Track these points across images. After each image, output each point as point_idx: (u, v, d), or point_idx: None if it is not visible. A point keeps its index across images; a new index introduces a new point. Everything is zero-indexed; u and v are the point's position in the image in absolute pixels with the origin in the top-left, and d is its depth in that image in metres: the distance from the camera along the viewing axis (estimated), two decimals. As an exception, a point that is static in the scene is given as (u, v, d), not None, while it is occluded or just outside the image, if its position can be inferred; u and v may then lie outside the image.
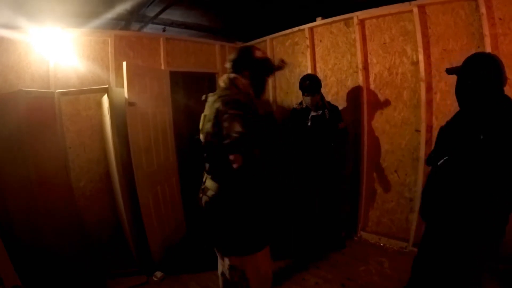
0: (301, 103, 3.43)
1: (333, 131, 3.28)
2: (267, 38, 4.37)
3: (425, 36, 2.96)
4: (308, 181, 3.40)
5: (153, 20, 4.54)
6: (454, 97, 2.78)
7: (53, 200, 2.82)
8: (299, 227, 3.59)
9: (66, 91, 3.10)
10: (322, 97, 3.35)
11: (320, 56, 3.83)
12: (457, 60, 2.77)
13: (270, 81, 4.35)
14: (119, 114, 2.94)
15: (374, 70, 3.37)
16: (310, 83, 3.24)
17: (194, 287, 2.87)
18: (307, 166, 3.35)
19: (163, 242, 3.32)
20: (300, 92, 3.76)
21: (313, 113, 3.29)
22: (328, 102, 3.38)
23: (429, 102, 2.99)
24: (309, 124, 3.29)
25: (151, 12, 4.42)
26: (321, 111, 3.27)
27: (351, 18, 3.44)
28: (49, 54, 3.20)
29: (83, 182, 3.30)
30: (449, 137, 1.93)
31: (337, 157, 3.38)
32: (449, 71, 1.98)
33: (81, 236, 3.14)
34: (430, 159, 2.02)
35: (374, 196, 3.52)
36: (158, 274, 3.04)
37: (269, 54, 4.37)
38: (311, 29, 3.84)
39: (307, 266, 3.07)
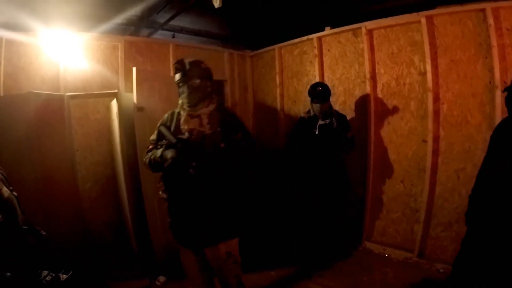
0: (308, 112, 3.50)
1: (341, 140, 3.34)
2: (276, 46, 4.49)
3: (432, 46, 3.04)
4: (312, 188, 3.46)
5: (163, 26, 4.69)
6: (461, 108, 2.93)
7: (59, 201, 2.91)
8: (301, 235, 3.65)
9: (75, 95, 3.24)
10: (331, 106, 3.43)
11: (328, 66, 3.94)
12: (465, 71, 2.91)
13: (277, 89, 4.52)
14: (127, 119, 3.05)
15: (381, 80, 3.46)
16: (321, 90, 3.34)
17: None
18: (313, 174, 3.40)
19: (167, 246, 3.37)
20: (307, 101, 3.85)
21: (321, 122, 3.36)
22: (336, 111, 3.46)
23: (436, 113, 3.06)
24: (316, 132, 3.35)
25: (161, 18, 4.58)
26: (329, 120, 3.34)
27: (359, 28, 3.54)
28: (59, 57, 3.35)
29: (89, 184, 3.41)
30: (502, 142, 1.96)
31: (343, 165, 3.46)
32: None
33: (84, 238, 3.22)
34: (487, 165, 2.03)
35: (379, 206, 3.57)
36: (161, 278, 3.10)
37: (277, 63, 4.53)
38: (319, 38, 3.95)
39: (311, 274, 3.10)
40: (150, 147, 2.16)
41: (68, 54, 3.38)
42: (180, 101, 2.11)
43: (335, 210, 3.46)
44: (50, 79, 3.30)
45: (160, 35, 4.94)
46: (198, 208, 1.99)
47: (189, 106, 2.05)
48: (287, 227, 4.02)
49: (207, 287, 2.21)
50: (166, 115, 2.20)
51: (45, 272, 1.42)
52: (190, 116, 2.05)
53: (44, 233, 1.54)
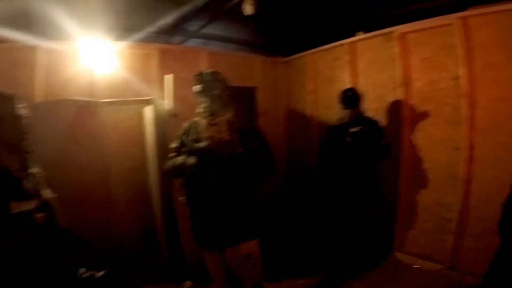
0: (341, 119, 3.66)
1: (375, 147, 3.45)
2: (308, 53, 4.82)
3: (466, 49, 3.16)
4: (343, 197, 3.62)
5: (195, 34, 5.15)
6: (496, 113, 3.07)
7: (93, 205, 3.29)
8: (331, 244, 3.84)
9: (109, 101, 3.67)
10: (362, 112, 3.60)
11: (361, 71, 4.18)
12: (500, 74, 3.02)
13: (309, 96, 4.82)
14: (161, 125, 3.44)
15: (414, 86, 3.63)
16: (351, 95, 3.54)
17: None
18: (346, 183, 3.57)
19: (197, 252, 3.70)
20: (340, 108, 4.09)
21: (353, 129, 3.46)
22: (369, 117, 3.61)
23: (470, 119, 3.16)
24: (349, 140, 3.47)
25: (193, 26, 5.04)
26: (361, 126, 3.44)
27: (391, 32, 3.75)
28: (95, 65, 3.83)
29: (122, 189, 3.83)
30: None
31: (376, 174, 3.60)
32: None
33: (115, 241, 3.61)
34: None
35: (411, 215, 3.70)
36: (188, 283, 3.43)
37: (309, 69, 4.84)
38: (351, 43, 4.21)
39: (340, 284, 3.29)
40: (172, 154, 2.45)
41: (103, 62, 3.85)
42: (199, 110, 2.41)
43: (367, 220, 3.59)
44: (85, 86, 3.74)
45: (191, 42, 5.40)
46: (218, 210, 2.28)
47: (208, 115, 2.34)
48: (316, 236, 4.23)
49: None
50: (186, 124, 2.53)
51: (83, 269, 1.65)
52: (210, 124, 2.35)
53: (80, 234, 1.81)
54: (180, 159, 2.33)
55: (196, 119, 2.50)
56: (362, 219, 3.59)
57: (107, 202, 3.61)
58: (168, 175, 2.55)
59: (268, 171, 2.43)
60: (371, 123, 3.55)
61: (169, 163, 2.43)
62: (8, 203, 1.51)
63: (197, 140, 2.34)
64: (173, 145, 2.49)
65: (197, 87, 2.39)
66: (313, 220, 4.47)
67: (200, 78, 2.39)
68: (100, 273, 1.69)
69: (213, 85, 2.37)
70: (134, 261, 3.76)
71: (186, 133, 2.46)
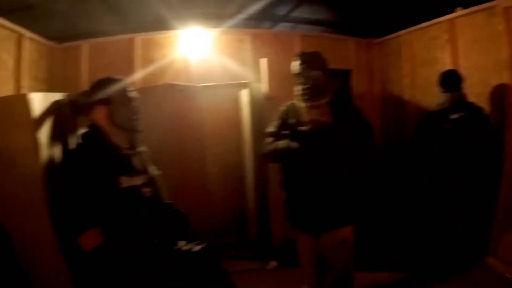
0: (439, 104, 3.64)
1: (477, 137, 3.36)
2: (403, 32, 4.85)
3: None
4: (438, 192, 3.62)
5: (284, 18, 5.52)
6: None
7: (190, 183, 3.74)
8: (421, 240, 3.82)
9: (207, 85, 4.22)
10: (464, 97, 3.52)
11: (461, 52, 4.07)
12: None
13: (406, 79, 4.87)
14: (256, 108, 3.86)
15: None
16: (451, 77, 3.52)
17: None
18: (442, 175, 3.55)
19: (284, 235, 3.95)
20: (439, 92, 4.01)
21: (454, 115, 3.44)
22: (472, 103, 3.50)
23: None
24: (448, 127, 3.47)
25: (281, 11, 5.39)
26: (463, 113, 3.42)
27: (494, 7, 3.57)
28: (190, 52, 4.42)
29: (217, 168, 4.44)
30: None
31: (478, 167, 3.42)
32: None
33: (208, 217, 4.08)
34: None
35: (508, 220, 3.45)
36: (273, 263, 3.86)
37: (405, 50, 4.87)
38: (450, 21, 4.11)
39: (423, 285, 3.34)
40: (270, 139, 2.56)
41: (199, 49, 4.43)
42: (298, 92, 2.50)
43: (461, 218, 3.48)
44: (182, 72, 4.37)
45: (280, 27, 5.77)
46: (318, 194, 2.38)
47: (309, 97, 2.42)
48: (405, 230, 4.21)
49: (317, 278, 2.62)
50: (283, 108, 2.63)
51: (183, 242, 1.82)
52: (311, 107, 2.43)
53: (181, 209, 2.04)
54: (281, 143, 2.43)
55: (293, 101, 2.60)
56: (456, 216, 3.50)
57: (202, 180, 4.07)
58: (267, 159, 2.69)
59: (369, 155, 2.57)
60: (474, 109, 3.44)
61: (269, 148, 2.53)
62: (118, 178, 1.73)
63: (298, 124, 2.42)
64: (271, 129, 2.61)
65: (297, 68, 2.45)
66: (405, 212, 4.43)
67: (301, 58, 2.46)
68: (198, 247, 1.81)
69: (315, 65, 2.43)
70: (223, 235, 4.27)
71: (284, 116, 2.56)
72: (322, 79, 2.45)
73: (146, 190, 1.86)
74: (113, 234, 1.66)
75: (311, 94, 2.42)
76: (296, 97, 2.54)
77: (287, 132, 2.46)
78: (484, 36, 3.81)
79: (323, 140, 2.32)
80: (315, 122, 2.36)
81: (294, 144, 2.36)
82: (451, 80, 3.51)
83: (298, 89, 2.49)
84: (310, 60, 2.45)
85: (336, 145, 2.33)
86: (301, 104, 2.51)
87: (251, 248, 4.22)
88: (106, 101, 1.85)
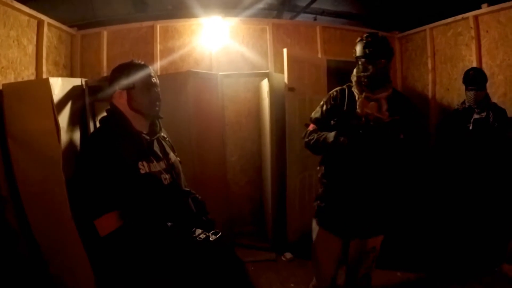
0: (463, 102, 3.59)
1: (499, 139, 3.30)
2: (427, 27, 4.74)
3: None
4: (457, 193, 3.56)
5: (305, 9, 5.42)
6: None
7: (209, 170, 3.71)
8: (437, 241, 3.80)
9: (228, 74, 4.16)
10: (488, 97, 3.44)
11: (487, 50, 3.99)
12: None
13: (429, 75, 4.78)
14: (277, 98, 3.79)
15: None
16: (475, 74, 3.41)
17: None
18: (462, 176, 3.49)
19: (301, 227, 3.99)
20: (462, 89, 3.89)
21: (476, 116, 3.39)
22: (495, 104, 3.44)
23: None
24: (470, 127, 3.41)
25: (302, 1, 5.30)
26: (485, 114, 3.35)
27: None
28: (211, 40, 4.35)
29: (235, 157, 4.38)
30: None
31: (499, 171, 3.34)
32: None
33: (226, 205, 4.08)
34: None
35: None
36: (288, 255, 3.83)
37: (428, 46, 4.76)
38: (476, 17, 4.02)
39: (437, 286, 3.28)
40: (312, 126, 2.33)
41: (219, 37, 4.36)
42: (355, 79, 2.21)
43: (480, 221, 3.41)
44: (202, 60, 4.32)
45: (301, 18, 5.69)
46: (362, 199, 2.17)
47: (368, 88, 2.13)
48: (425, 229, 4.13)
49: (334, 276, 2.47)
50: (333, 92, 2.33)
51: (199, 231, 1.76)
52: (368, 98, 2.12)
53: (199, 197, 1.96)
54: (330, 135, 2.14)
55: (345, 87, 2.32)
56: (474, 218, 3.44)
57: (221, 167, 4.04)
58: (309, 149, 2.34)
59: (420, 161, 2.38)
60: (497, 110, 3.38)
61: (314, 137, 2.26)
62: (138, 163, 1.68)
63: (352, 115, 2.15)
64: (316, 115, 2.35)
65: (363, 51, 2.15)
66: (423, 212, 4.35)
67: (370, 41, 2.14)
68: (215, 237, 1.76)
69: (383, 52, 2.13)
70: (240, 224, 4.28)
71: (335, 103, 2.28)
72: (386, 68, 2.17)
73: (165, 177, 1.80)
74: (130, 220, 1.61)
75: (373, 83, 2.12)
76: (354, 84, 2.25)
77: (336, 122, 2.19)
78: (510, 34, 3.73)
79: (377, 139, 2.07)
80: (371, 117, 2.09)
81: (343, 139, 2.08)
82: (474, 78, 3.41)
83: (358, 75, 2.20)
84: (378, 45, 2.13)
85: (392, 147, 2.10)
86: (357, 93, 2.21)
87: (267, 238, 4.17)
88: (128, 86, 1.78)
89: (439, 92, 4.74)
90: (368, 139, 2.06)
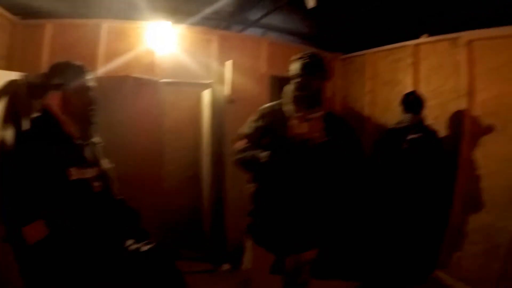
0: (399, 123, 3.71)
1: (430, 158, 3.48)
2: (368, 51, 4.93)
3: None
4: (391, 206, 3.65)
5: (255, 23, 5.44)
6: None
7: (145, 179, 3.60)
8: (373, 252, 3.84)
9: (170, 81, 4.05)
10: (423, 119, 3.61)
11: (423, 76, 4.20)
12: None
13: (367, 96, 4.93)
14: (217, 109, 3.74)
15: (479, 97, 3.59)
16: (414, 99, 3.55)
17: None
18: (396, 191, 3.60)
19: (240, 237, 3.90)
20: (398, 112, 4.10)
21: (411, 136, 3.50)
22: (428, 126, 3.62)
23: None
24: (405, 146, 3.51)
25: (252, 15, 5.31)
26: (420, 134, 3.49)
27: (459, 38, 3.72)
28: (157, 46, 4.22)
29: (174, 165, 4.23)
30: None
31: (430, 186, 3.54)
32: None
33: (162, 215, 3.91)
34: None
35: (459, 235, 3.62)
36: (226, 266, 3.78)
37: (368, 69, 4.94)
38: (415, 46, 4.24)
39: None
40: (244, 143, 2.21)
41: (166, 43, 4.24)
42: (290, 98, 2.14)
43: (413, 232, 3.54)
44: (146, 66, 4.16)
45: (250, 31, 5.71)
46: (295, 215, 2.11)
47: (303, 107, 2.09)
48: (360, 239, 4.20)
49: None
50: (263, 110, 2.26)
51: (131, 241, 1.74)
52: (301, 118, 2.08)
53: (133, 206, 1.93)
54: (264, 155, 2.03)
55: (278, 104, 2.24)
56: (408, 230, 3.56)
57: (158, 177, 3.91)
58: (239, 167, 2.26)
59: (359, 181, 2.40)
60: (430, 132, 3.57)
61: (244, 155, 2.17)
62: (68, 169, 1.62)
63: (286, 135, 2.09)
64: (245, 130, 2.26)
65: (300, 69, 2.08)
66: (358, 223, 4.42)
67: (307, 60, 2.08)
68: (147, 247, 1.74)
69: (320, 72, 2.10)
70: (177, 234, 4.06)
71: (266, 120, 2.20)
72: (323, 89, 2.14)
73: (96, 184, 1.76)
74: (58, 228, 1.55)
75: (308, 103, 2.07)
76: (289, 102, 2.16)
77: (268, 141, 2.11)
78: (446, 63, 3.97)
79: (312, 159, 2.03)
80: (306, 137, 2.04)
81: (278, 159, 2.01)
82: (414, 103, 3.57)
83: (293, 94, 2.13)
84: (315, 65, 2.09)
85: (326, 167, 2.07)
86: (291, 111, 2.14)
87: (205, 249, 4.06)
88: (61, 87, 1.72)
89: (376, 113, 4.90)
90: (303, 159, 2.02)
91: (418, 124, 3.54)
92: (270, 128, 2.15)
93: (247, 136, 2.22)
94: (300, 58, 2.12)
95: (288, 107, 2.15)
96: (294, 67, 2.12)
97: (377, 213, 3.94)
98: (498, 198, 3.37)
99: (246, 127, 2.26)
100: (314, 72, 2.06)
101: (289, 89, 2.17)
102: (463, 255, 3.61)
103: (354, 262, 3.89)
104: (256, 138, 2.17)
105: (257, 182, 2.25)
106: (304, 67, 2.06)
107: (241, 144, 2.23)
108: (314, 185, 2.10)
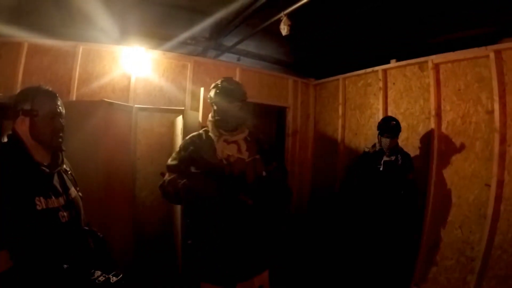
0: (374, 146, 3.81)
1: (403, 180, 3.58)
2: (340, 77, 5.04)
3: (501, 83, 3.24)
4: (366, 227, 3.71)
5: (230, 49, 5.46)
6: None
7: (117, 205, 3.56)
8: (347, 271, 3.94)
9: (143, 107, 4.01)
10: (397, 143, 3.70)
11: (392, 99, 4.32)
12: None
13: (339, 120, 4.99)
14: None
15: (446, 118, 3.72)
16: (395, 125, 3.61)
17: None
18: (371, 211, 3.65)
19: None
20: (369, 134, 4.22)
21: (386, 158, 3.62)
22: (401, 148, 3.72)
23: (502, 155, 3.21)
24: (380, 169, 3.62)
25: (228, 41, 5.34)
26: (394, 157, 3.60)
27: (426, 62, 3.88)
28: (132, 71, 4.15)
29: (145, 192, 4.11)
30: None
31: (403, 206, 3.62)
32: None
33: (135, 243, 3.86)
34: None
35: (433, 251, 3.72)
36: None
37: (340, 93, 5.03)
38: (384, 71, 4.39)
39: None
40: (171, 176, 2.14)
41: (140, 68, 4.19)
42: (212, 123, 2.20)
43: (387, 251, 3.62)
44: (120, 90, 4.08)
45: (225, 57, 5.70)
46: (234, 241, 2.08)
47: (226, 130, 2.15)
48: (334, 261, 4.32)
49: None
50: (190, 138, 2.26)
51: (98, 272, 1.63)
52: (227, 141, 2.14)
53: (101, 235, 1.80)
54: (194, 184, 2.00)
55: (202, 132, 2.28)
56: (383, 250, 3.63)
57: (130, 203, 3.86)
58: (169, 199, 2.21)
59: (286, 196, 2.30)
60: (404, 154, 3.67)
61: (173, 185, 2.08)
62: (34, 199, 1.53)
63: (212, 159, 2.09)
64: (173, 162, 2.21)
65: (217, 95, 2.16)
66: (333, 244, 4.56)
67: (226, 84, 2.19)
68: (116, 278, 1.66)
69: (238, 95, 2.18)
70: (151, 262, 3.98)
71: (192, 148, 2.18)
72: (241, 111, 2.20)
73: (63, 214, 1.64)
74: (22, 260, 1.44)
75: (229, 126, 2.16)
76: (211, 128, 2.23)
77: (197, 168, 2.08)
78: (414, 87, 4.11)
79: (241, 181, 2.04)
80: (233, 159, 2.08)
81: (208, 184, 1.98)
82: (393, 128, 3.62)
83: (214, 119, 2.21)
84: (232, 89, 2.18)
85: (254, 186, 2.07)
86: (214, 137, 2.19)
87: (178, 275, 3.87)
88: (30, 113, 1.63)
89: (348, 136, 4.97)
90: (232, 180, 2.02)
91: (394, 148, 3.64)
92: (197, 156, 2.14)
93: (174, 167, 2.19)
94: (215, 85, 2.20)
95: (213, 133, 2.20)
96: (212, 94, 2.19)
97: (352, 233, 4.00)
98: (468, 213, 3.50)
99: (172, 159, 2.24)
100: (230, 97, 2.14)
101: (210, 115, 2.25)
102: (438, 271, 3.70)
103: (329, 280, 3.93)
104: (184, 168, 2.15)
105: (189, 213, 2.24)
106: (220, 93, 2.15)
107: (168, 177, 2.18)
108: (246, 205, 2.06)
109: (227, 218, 2.07)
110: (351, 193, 4.00)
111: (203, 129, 2.29)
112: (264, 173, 2.10)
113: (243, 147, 2.14)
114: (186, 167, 2.13)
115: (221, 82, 2.21)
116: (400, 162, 3.58)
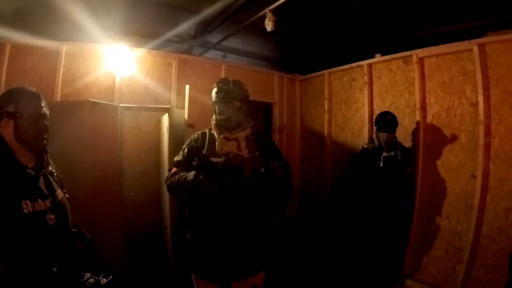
0: (372, 142, 3.78)
1: (403, 175, 3.56)
2: (325, 72, 4.96)
3: (485, 76, 3.22)
4: (365, 222, 3.68)
5: (215, 46, 5.34)
6: None
7: (105, 206, 3.44)
8: (343, 266, 3.90)
9: (129, 106, 3.87)
10: (395, 137, 3.64)
11: (378, 94, 4.28)
12: None
13: (325, 115, 4.92)
14: (177, 134, 3.56)
15: (432, 111, 3.69)
16: (391, 119, 3.55)
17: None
18: (371, 207, 3.62)
19: None
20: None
21: (385, 154, 3.58)
22: (400, 143, 3.66)
23: (487, 146, 3.21)
24: (381, 165, 3.58)
25: (213, 38, 5.22)
26: (393, 152, 3.56)
27: (410, 56, 3.84)
28: (116, 70, 4.01)
29: (134, 192, 3.97)
30: None
31: (401, 200, 3.61)
32: None
33: (125, 243, 3.74)
34: None
35: (422, 242, 3.71)
36: None
37: (326, 88, 4.96)
38: (369, 65, 4.33)
39: None
40: (175, 169, 2.20)
41: (125, 68, 4.04)
42: (214, 122, 2.23)
43: (381, 244, 3.60)
44: (106, 89, 3.94)
45: (211, 54, 5.58)
46: (231, 238, 2.06)
47: (226, 128, 2.15)
48: (326, 259, 4.25)
49: None
50: (195, 136, 2.30)
51: (88, 275, 1.59)
52: (227, 138, 2.14)
53: (90, 236, 1.76)
54: (191, 174, 1.99)
55: (207, 130, 2.30)
56: (377, 243, 3.61)
57: (118, 203, 3.76)
58: (170, 191, 2.24)
59: (287, 195, 2.29)
60: (403, 149, 3.63)
61: (175, 179, 2.12)
62: (21, 202, 1.49)
63: (211, 155, 2.07)
64: (178, 158, 2.26)
65: (217, 95, 2.17)
66: (324, 242, 4.51)
67: (222, 85, 2.18)
68: (106, 280, 1.62)
69: (236, 95, 2.17)
70: (141, 262, 3.86)
71: (195, 146, 2.21)
72: (242, 109, 2.21)
73: (50, 217, 1.59)
74: (10, 264, 1.41)
75: (229, 125, 2.16)
76: (213, 127, 2.25)
77: (197, 162, 2.04)
78: (399, 81, 4.06)
79: (237, 176, 1.98)
80: (233, 155, 2.07)
81: (203, 177, 1.94)
82: (390, 122, 3.56)
83: (216, 118, 2.23)
84: (231, 89, 2.17)
85: (253, 182, 2.02)
86: (216, 135, 2.20)
87: (170, 273, 3.77)
88: (14, 115, 1.57)
89: (334, 131, 4.91)
90: (228, 175, 1.97)
91: (391, 143, 3.58)
92: (199, 152, 2.12)
93: (178, 163, 2.24)
94: (215, 85, 2.21)
95: (214, 131, 2.23)
96: (212, 95, 2.21)
97: (340, 229, 4.04)
98: (455, 203, 3.50)
99: (178, 155, 2.29)
100: (229, 96, 2.15)
101: (213, 116, 2.27)
102: (428, 261, 3.69)
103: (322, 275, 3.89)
104: (187, 163, 2.13)
105: (188, 207, 2.23)
106: (220, 93, 2.16)
107: (173, 171, 2.23)
108: (244, 202, 2.05)
109: (221, 216, 2.05)
110: (345, 192, 4.00)
111: (209, 128, 2.30)
112: (262, 170, 2.05)
113: (243, 144, 2.14)
114: (189, 162, 2.10)
115: (217, 83, 2.21)
116: (399, 158, 3.55)
